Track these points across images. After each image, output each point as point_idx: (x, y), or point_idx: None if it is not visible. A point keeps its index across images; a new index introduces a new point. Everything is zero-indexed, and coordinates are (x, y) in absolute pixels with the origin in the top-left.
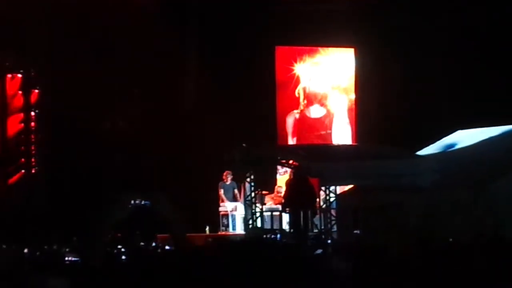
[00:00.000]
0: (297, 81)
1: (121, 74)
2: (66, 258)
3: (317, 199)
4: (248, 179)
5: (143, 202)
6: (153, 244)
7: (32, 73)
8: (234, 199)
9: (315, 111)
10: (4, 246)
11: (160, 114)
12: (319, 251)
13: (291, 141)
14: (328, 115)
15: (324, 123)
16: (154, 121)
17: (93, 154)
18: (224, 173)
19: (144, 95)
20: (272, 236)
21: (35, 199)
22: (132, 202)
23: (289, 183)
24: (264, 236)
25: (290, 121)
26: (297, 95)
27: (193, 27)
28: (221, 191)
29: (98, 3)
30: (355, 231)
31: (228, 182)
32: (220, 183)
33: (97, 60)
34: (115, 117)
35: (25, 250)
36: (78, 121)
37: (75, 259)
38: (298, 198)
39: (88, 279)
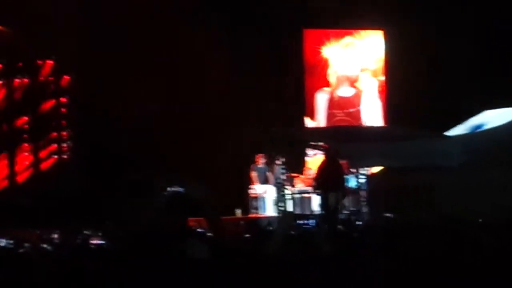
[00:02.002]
0: (326, 64)
1: (151, 58)
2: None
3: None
4: (278, 162)
5: (177, 189)
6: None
7: (63, 59)
8: (265, 182)
9: (345, 91)
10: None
11: (190, 98)
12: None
13: (319, 119)
14: (358, 94)
15: (353, 102)
16: (184, 106)
17: (124, 139)
18: (257, 156)
19: (174, 79)
20: (305, 221)
21: (67, 185)
22: (168, 189)
23: (320, 165)
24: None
25: (320, 97)
26: (326, 78)
27: (221, 10)
28: (253, 173)
29: None
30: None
31: (261, 165)
32: (253, 166)
33: (128, 44)
34: (145, 103)
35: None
36: (110, 106)
37: (101, 242)
38: (328, 180)
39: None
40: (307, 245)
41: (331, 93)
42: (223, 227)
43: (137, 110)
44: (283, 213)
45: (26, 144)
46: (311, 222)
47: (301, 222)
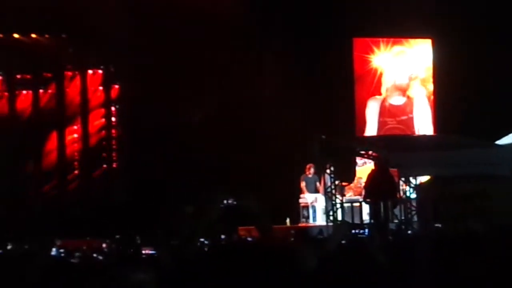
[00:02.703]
0: (375, 72)
1: (200, 68)
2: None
3: (398, 190)
4: (328, 171)
5: (230, 201)
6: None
7: (112, 69)
8: (315, 191)
9: (396, 100)
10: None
11: (239, 108)
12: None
13: (371, 127)
14: (409, 102)
15: (405, 109)
16: (233, 115)
17: (173, 148)
18: (307, 166)
19: (223, 88)
20: (361, 231)
21: (117, 193)
22: (225, 202)
23: (370, 174)
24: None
25: (371, 105)
26: (375, 86)
27: (270, 20)
28: (303, 184)
29: None
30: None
31: (311, 175)
32: (303, 176)
33: (176, 54)
34: (194, 112)
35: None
36: (158, 115)
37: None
38: (379, 189)
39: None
40: (360, 254)
41: (383, 101)
42: (273, 236)
43: (188, 120)
44: (338, 222)
45: (76, 152)
46: (365, 231)
47: (356, 231)
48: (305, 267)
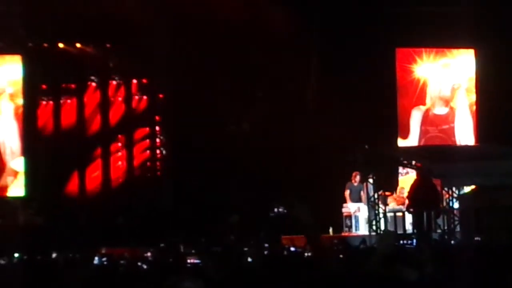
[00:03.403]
0: (417, 82)
1: (244, 77)
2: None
3: (441, 200)
4: (371, 180)
5: (281, 209)
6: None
7: (157, 78)
8: (359, 200)
9: (439, 110)
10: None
11: (283, 117)
12: None
13: (413, 135)
14: (452, 112)
15: (447, 119)
16: (277, 125)
17: (217, 157)
18: (353, 174)
19: (267, 98)
20: (408, 241)
21: (161, 202)
22: (275, 210)
23: (413, 184)
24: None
25: (415, 114)
26: (418, 96)
27: (315, 29)
28: (347, 192)
29: (219, 8)
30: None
31: (357, 184)
32: (348, 184)
33: (222, 64)
34: (239, 121)
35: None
36: (204, 124)
37: (197, 261)
38: (422, 199)
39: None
40: (407, 264)
41: (426, 111)
42: (323, 246)
43: (233, 130)
44: (384, 232)
45: (120, 163)
46: (411, 241)
47: (403, 241)
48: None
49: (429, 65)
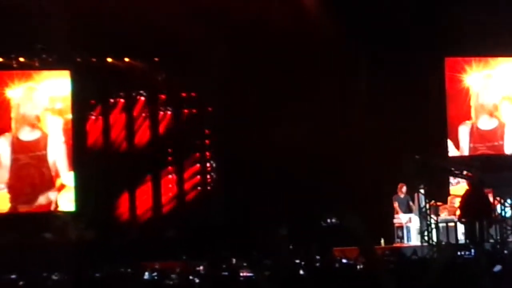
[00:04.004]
0: (467, 92)
1: (294, 90)
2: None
3: (493, 210)
4: (422, 191)
5: (334, 220)
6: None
7: (205, 92)
8: (408, 211)
9: (486, 123)
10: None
11: (333, 129)
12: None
13: (463, 151)
14: (500, 126)
15: (496, 134)
16: (325, 136)
17: (268, 169)
18: (399, 186)
19: (314, 109)
20: (466, 252)
21: (213, 216)
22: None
23: (464, 194)
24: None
25: (462, 130)
26: (467, 106)
27: (362, 38)
28: (396, 204)
29: (269, 21)
30: None
31: (403, 195)
32: (395, 196)
33: (268, 77)
34: (289, 135)
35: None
36: (252, 138)
37: (249, 274)
38: (474, 209)
39: None
40: (466, 275)
41: (472, 126)
42: (377, 258)
43: (280, 142)
44: (444, 244)
45: (170, 176)
46: (469, 253)
47: (461, 252)
48: None
49: (477, 75)
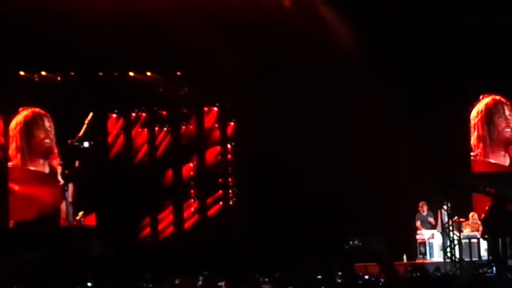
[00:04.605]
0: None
1: (316, 105)
2: None
3: None
4: (445, 207)
5: (356, 242)
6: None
7: (228, 106)
8: (431, 228)
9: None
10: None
11: (355, 146)
12: None
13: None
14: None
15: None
16: (349, 153)
17: (292, 188)
18: (420, 204)
19: (338, 127)
20: (489, 270)
21: (234, 231)
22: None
23: (488, 210)
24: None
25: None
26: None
27: (389, 63)
28: (418, 223)
29: (292, 36)
30: None
31: (425, 213)
32: (417, 215)
33: (291, 91)
34: (313, 153)
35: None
36: (274, 152)
37: None
38: (497, 225)
39: None
40: None
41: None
42: (397, 274)
43: (303, 159)
44: (467, 263)
45: (192, 191)
46: (491, 270)
47: (483, 269)
48: None
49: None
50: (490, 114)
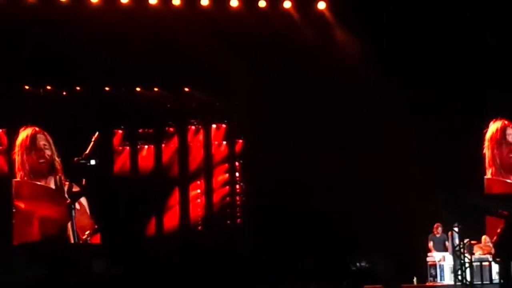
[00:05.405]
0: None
1: (325, 124)
2: None
3: None
4: (456, 229)
5: (363, 264)
6: None
7: (236, 123)
8: (444, 251)
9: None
10: None
11: (363, 165)
12: None
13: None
14: None
15: None
16: (359, 172)
17: (299, 204)
18: (435, 226)
19: (347, 143)
20: None
21: (242, 249)
22: (358, 264)
23: (500, 232)
24: None
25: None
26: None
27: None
28: (431, 244)
29: (299, 51)
30: None
31: (439, 235)
32: (431, 236)
33: (300, 108)
34: (317, 168)
35: None
36: (282, 170)
37: None
38: (509, 248)
39: None
40: None
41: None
42: None
43: (311, 177)
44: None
45: (199, 209)
46: None
47: None
48: None
49: None
50: (501, 138)
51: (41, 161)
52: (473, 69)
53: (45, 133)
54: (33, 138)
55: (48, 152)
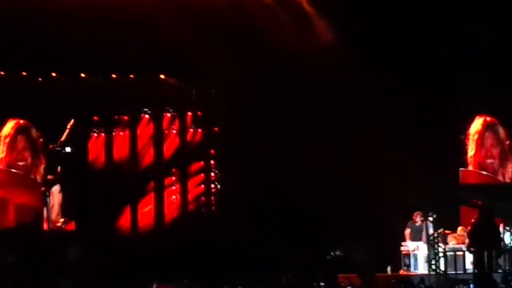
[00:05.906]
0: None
1: (303, 113)
2: None
3: (502, 239)
4: (430, 218)
5: (338, 252)
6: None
7: (212, 111)
8: (420, 239)
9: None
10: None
11: (345, 156)
12: None
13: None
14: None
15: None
16: (335, 162)
17: (272, 194)
18: (415, 214)
19: (326, 135)
20: (464, 286)
21: (216, 237)
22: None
23: (474, 222)
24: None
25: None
26: None
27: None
28: (408, 231)
29: (277, 41)
30: None
31: (418, 224)
32: (409, 223)
33: (277, 97)
34: (293, 157)
35: None
36: (257, 159)
37: None
38: (483, 238)
39: None
40: None
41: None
42: (376, 286)
43: (286, 168)
44: (442, 275)
45: (174, 196)
46: (467, 286)
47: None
48: None
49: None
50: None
51: (20, 163)
52: (463, 67)
53: (31, 127)
54: (13, 138)
55: (26, 154)
